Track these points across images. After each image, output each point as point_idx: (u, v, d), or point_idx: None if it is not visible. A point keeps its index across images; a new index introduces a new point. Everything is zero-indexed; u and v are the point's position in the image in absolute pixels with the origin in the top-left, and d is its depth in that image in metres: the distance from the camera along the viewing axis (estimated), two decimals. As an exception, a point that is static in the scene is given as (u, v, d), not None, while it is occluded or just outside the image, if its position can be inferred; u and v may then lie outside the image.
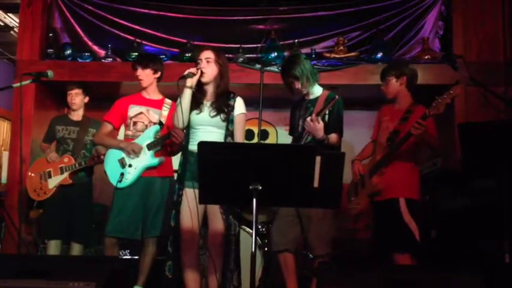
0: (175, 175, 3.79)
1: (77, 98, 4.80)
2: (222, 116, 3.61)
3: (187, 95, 3.57)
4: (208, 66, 3.63)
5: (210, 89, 3.68)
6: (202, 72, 3.60)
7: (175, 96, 4.51)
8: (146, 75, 4.26)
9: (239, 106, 3.68)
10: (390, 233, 3.69)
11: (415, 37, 5.46)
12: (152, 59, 4.35)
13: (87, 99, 4.88)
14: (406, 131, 3.62)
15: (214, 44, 5.41)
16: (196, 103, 3.63)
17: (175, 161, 4.69)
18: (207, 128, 3.62)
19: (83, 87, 4.84)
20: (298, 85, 3.93)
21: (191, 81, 3.56)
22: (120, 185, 4.11)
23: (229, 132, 3.63)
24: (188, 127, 3.68)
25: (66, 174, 4.65)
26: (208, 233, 3.63)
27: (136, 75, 4.25)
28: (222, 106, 3.62)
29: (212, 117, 3.61)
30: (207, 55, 3.65)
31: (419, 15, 5.47)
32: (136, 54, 5.46)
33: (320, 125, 3.69)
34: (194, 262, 3.62)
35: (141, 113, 4.26)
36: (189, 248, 3.58)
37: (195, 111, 3.63)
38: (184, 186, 3.59)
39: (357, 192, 3.88)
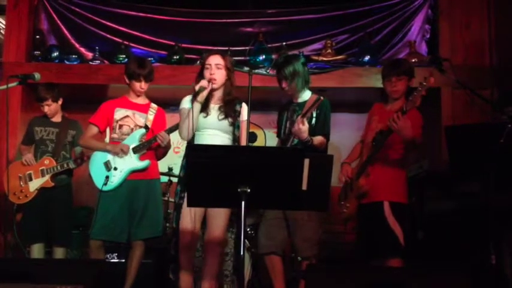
0: (174, 178, 3.78)
1: (50, 108, 4.69)
2: (230, 120, 3.65)
3: (197, 109, 3.57)
4: (218, 73, 3.64)
5: (217, 93, 3.70)
6: (213, 82, 3.61)
7: (162, 99, 4.52)
8: (147, 87, 4.27)
9: (244, 112, 3.72)
10: (375, 237, 3.69)
11: (402, 40, 5.50)
12: (153, 72, 4.30)
13: (61, 101, 4.76)
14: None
15: (202, 47, 5.42)
16: (203, 105, 3.63)
17: (163, 164, 4.71)
18: (214, 131, 3.65)
19: (50, 95, 4.66)
20: (284, 84, 3.95)
21: (202, 96, 3.56)
22: (105, 188, 4.09)
23: (236, 138, 3.68)
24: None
25: (47, 177, 4.58)
26: (206, 240, 3.63)
27: (141, 87, 4.21)
28: (230, 111, 3.66)
29: (220, 120, 3.64)
30: (217, 61, 3.66)
31: (406, 19, 5.51)
32: (124, 56, 5.45)
33: (305, 127, 3.69)
34: (190, 264, 3.62)
35: (127, 116, 4.24)
36: (187, 250, 3.59)
37: (202, 114, 3.63)
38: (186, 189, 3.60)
39: (346, 195, 3.89)
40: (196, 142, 3.63)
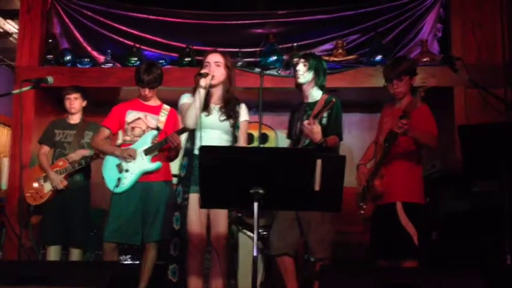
0: (176, 178, 3.79)
1: (76, 102, 4.78)
2: (231, 121, 3.65)
3: (201, 95, 3.55)
4: (217, 70, 3.64)
5: (217, 92, 3.70)
6: (212, 76, 3.61)
7: (173, 101, 4.53)
8: (153, 93, 4.29)
9: (244, 113, 3.73)
10: (389, 239, 3.66)
11: (413, 39, 5.47)
12: (159, 79, 4.26)
13: (85, 103, 4.85)
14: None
15: (213, 49, 5.41)
16: (204, 105, 3.62)
17: (175, 165, 4.72)
18: (215, 131, 3.64)
19: (81, 91, 4.81)
20: (301, 67, 3.95)
21: (205, 82, 3.55)
22: (117, 190, 4.10)
23: (236, 138, 3.68)
24: (194, 129, 3.68)
25: (61, 177, 4.63)
26: (212, 237, 3.63)
27: (145, 94, 4.22)
28: (231, 112, 3.65)
29: (222, 121, 3.64)
30: (216, 58, 3.66)
31: (417, 18, 5.48)
32: (136, 59, 5.48)
33: (317, 128, 3.68)
34: (199, 267, 3.63)
35: (138, 118, 4.25)
36: (197, 253, 3.59)
37: (203, 113, 3.62)
38: (190, 191, 3.59)
39: (364, 196, 3.86)
40: (196, 140, 3.62)
